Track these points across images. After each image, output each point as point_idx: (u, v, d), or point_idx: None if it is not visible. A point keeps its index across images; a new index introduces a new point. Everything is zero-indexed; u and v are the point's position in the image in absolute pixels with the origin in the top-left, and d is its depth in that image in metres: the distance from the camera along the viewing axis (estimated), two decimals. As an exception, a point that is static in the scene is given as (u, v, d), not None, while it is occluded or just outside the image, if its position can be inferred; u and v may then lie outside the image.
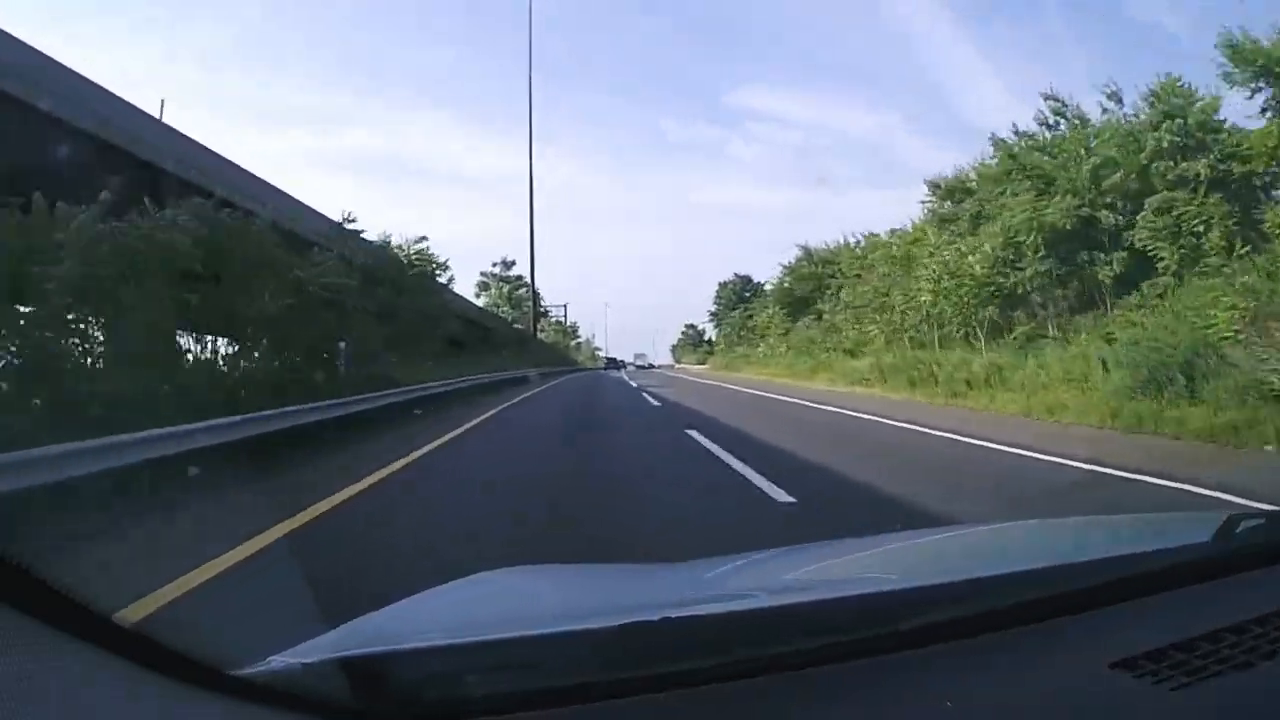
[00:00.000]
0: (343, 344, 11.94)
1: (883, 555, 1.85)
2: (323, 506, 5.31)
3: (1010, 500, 5.54)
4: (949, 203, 22.88)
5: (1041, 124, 19.24)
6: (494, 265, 65.65)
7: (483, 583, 1.51)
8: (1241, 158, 14.53)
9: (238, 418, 7.27)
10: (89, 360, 7.10)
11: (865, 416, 12.39)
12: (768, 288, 46.32)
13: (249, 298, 9.53)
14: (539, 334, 56.60)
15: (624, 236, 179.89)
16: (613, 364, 78.29)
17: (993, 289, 17.65)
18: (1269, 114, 14.37)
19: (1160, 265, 14.70)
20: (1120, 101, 17.40)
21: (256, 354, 10.07)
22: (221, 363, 9.81)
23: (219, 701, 0.81)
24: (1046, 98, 18.94)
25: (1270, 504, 4.53)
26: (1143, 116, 16.41)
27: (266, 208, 12.39)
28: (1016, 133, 19.82)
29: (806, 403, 16.00)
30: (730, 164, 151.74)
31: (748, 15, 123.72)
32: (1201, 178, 14.54)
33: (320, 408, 9.41)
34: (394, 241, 22.38)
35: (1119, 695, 0.92)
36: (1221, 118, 15.39)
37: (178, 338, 8.90)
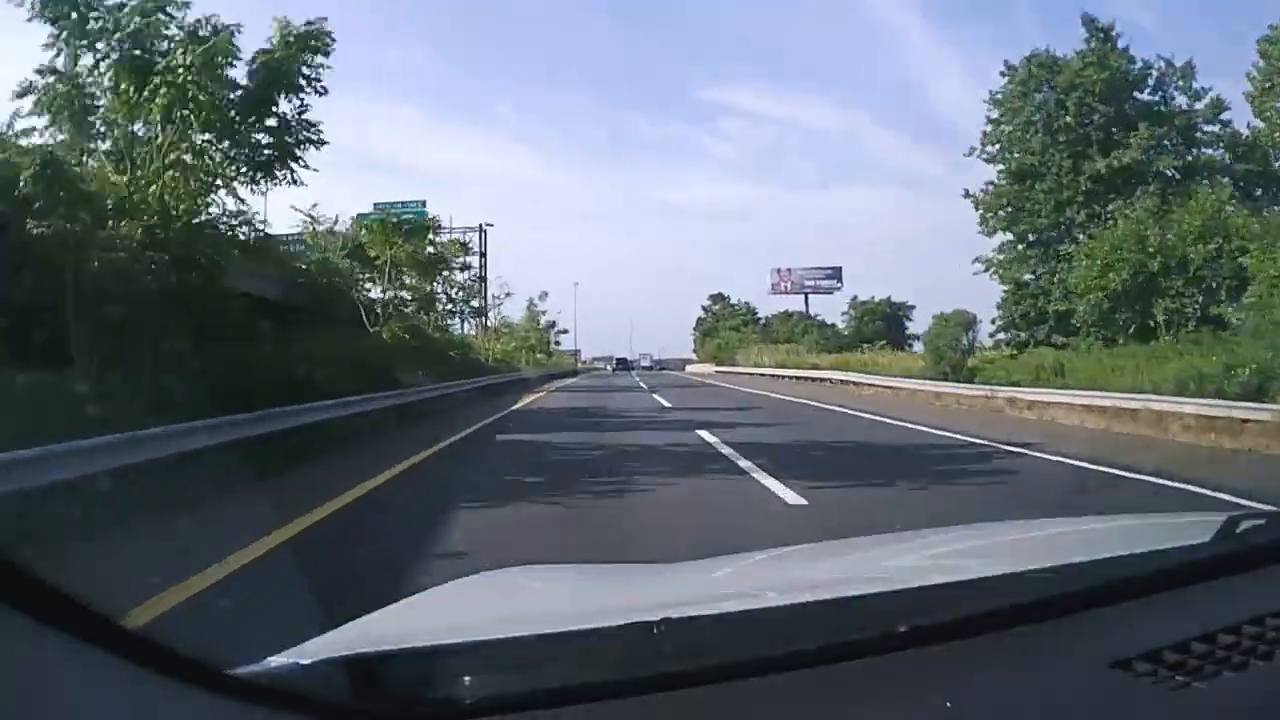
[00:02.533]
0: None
1: (883, 555, 1.85)
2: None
3: None
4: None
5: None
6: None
7: (483, 583, 1.52)
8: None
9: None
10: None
11: None
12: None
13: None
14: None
15: (606, 239, 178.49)
16: (623, 365, 71.09)
17: None
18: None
19: None
20: None
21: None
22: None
23: (219, 701, 0.81)
24: None
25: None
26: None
27: None
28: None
29: None
30: (713, 162, 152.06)
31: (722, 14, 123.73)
32: None
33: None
34: None
35: (1119, 695, 0.92)
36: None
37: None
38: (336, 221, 22.80)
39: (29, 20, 10.94)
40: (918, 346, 34.68)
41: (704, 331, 76.44)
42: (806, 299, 57.59)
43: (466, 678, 0.89)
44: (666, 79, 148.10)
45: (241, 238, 13.57)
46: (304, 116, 12.88)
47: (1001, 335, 25.65)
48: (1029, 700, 0.94)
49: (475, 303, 37.91)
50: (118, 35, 10.91)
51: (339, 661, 0.90)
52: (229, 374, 8.80)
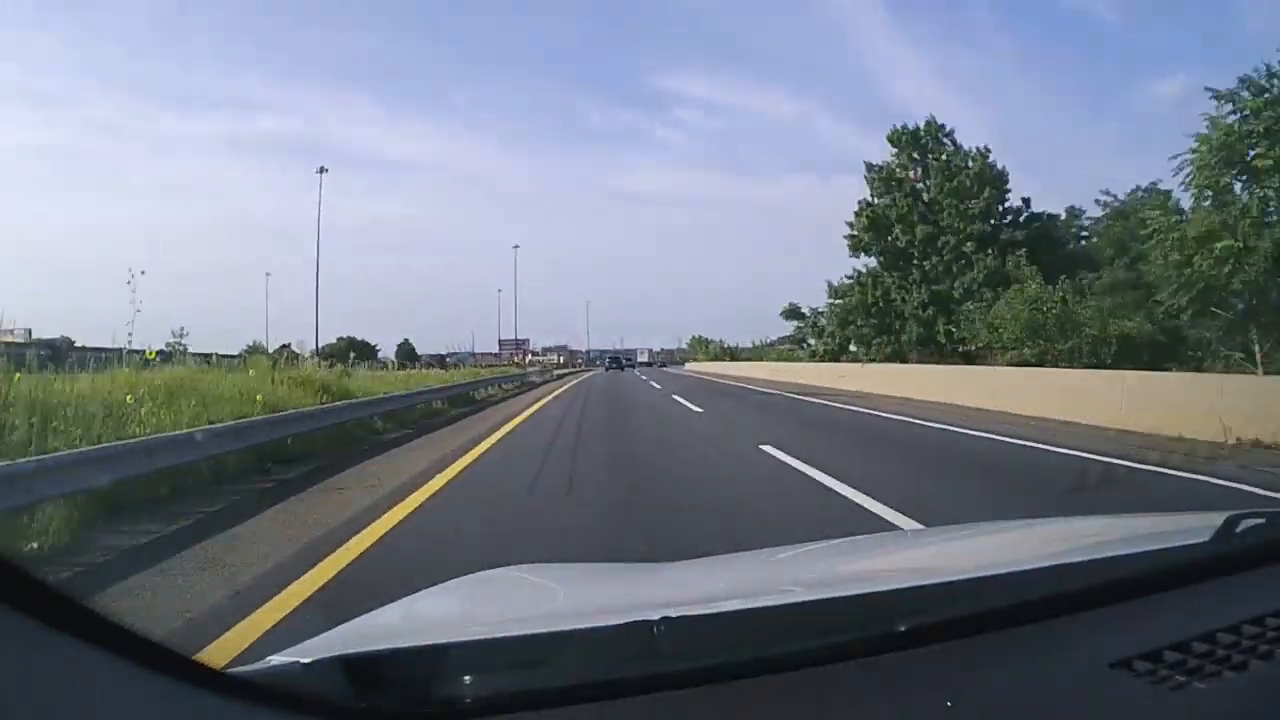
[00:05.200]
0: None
1: (883, 555, 1.86)
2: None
3: None
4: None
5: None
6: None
7: (483, 582, 1.52)
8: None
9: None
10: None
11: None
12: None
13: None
14: None
15: (563, 229, 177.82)
16: (617, 364, 66.88)
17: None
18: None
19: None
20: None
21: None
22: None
23: (219, 701, 0.81)
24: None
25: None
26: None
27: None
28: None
29: None
30: (668, 152, 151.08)
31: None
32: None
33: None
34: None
35: (1118, 695, 0.92)
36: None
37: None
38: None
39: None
40: None
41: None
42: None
43: (466, 677, 0.89)
44: (624, 69, 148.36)
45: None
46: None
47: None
48: (1029, 700, 0.93)
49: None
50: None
51: (339, 661, 0.89)
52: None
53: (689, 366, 63.44)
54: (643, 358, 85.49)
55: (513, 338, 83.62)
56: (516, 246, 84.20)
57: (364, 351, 72.70)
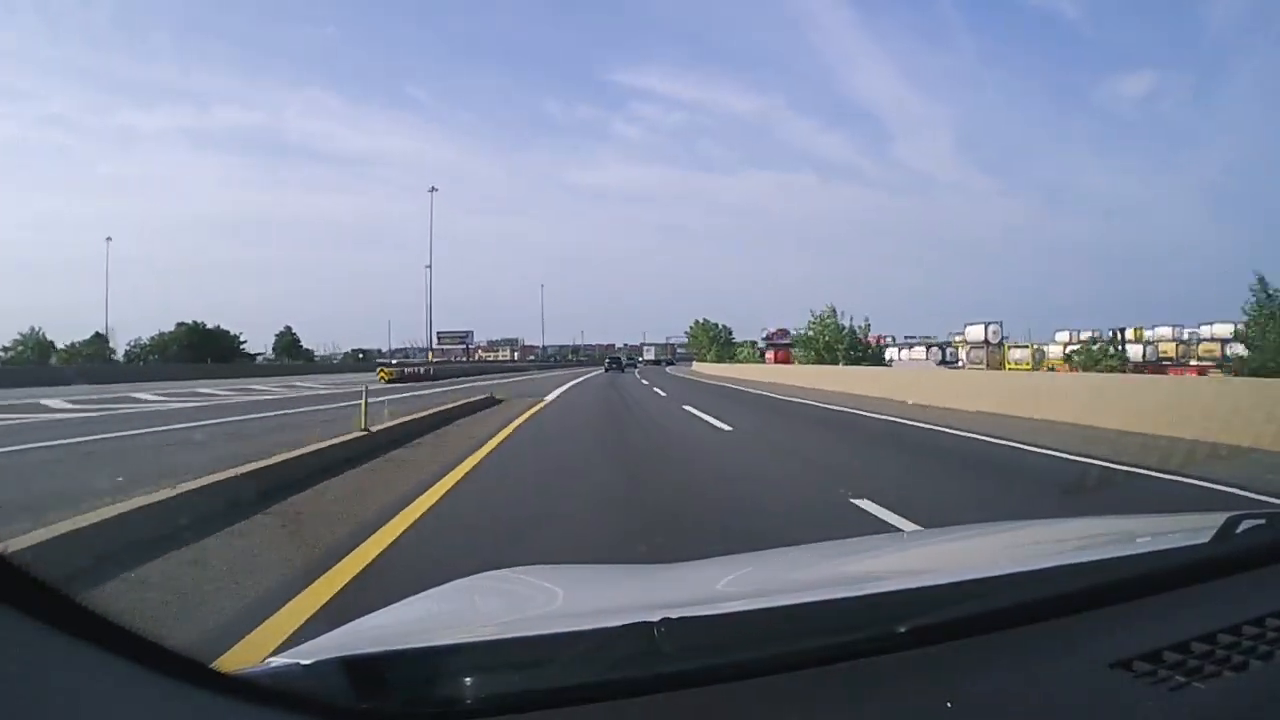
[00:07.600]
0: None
1: (883, 555, 1.87)
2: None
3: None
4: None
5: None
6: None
7: (482, 583, 1.53)
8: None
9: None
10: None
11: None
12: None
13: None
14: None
15: (523, 223, 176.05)
16: (616, 364, 62.02)
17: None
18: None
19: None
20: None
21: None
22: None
23: (219, 701, 0.80)
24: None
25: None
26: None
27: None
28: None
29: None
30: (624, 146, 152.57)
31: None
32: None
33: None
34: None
35: (1118, 695, 0.93)
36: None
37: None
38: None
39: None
40: None
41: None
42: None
43: (466, 678, 0.89)
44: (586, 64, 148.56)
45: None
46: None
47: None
48: (1029, 700, 0.94)
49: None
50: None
51: (339, 661, 0.89)
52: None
53: (698, 367, 51.40)
54: (648, 354, 78.68)
55: (434, 330, 65.16)
56: (433, 189, 63.00)
57: (220, 344, 58.25)
